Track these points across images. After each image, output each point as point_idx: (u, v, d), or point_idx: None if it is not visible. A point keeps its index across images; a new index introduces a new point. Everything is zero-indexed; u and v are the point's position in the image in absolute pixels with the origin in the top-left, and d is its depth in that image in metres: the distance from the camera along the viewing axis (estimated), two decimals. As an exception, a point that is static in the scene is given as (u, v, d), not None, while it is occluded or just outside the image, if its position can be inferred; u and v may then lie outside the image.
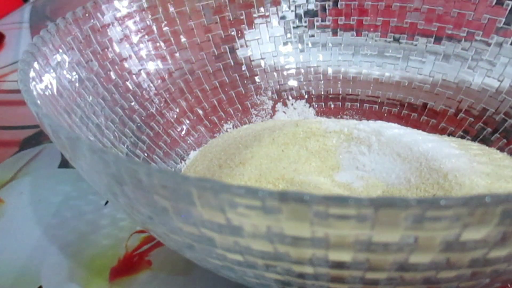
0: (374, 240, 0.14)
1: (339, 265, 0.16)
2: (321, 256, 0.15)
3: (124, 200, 0.18)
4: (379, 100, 0.39)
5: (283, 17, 0.41)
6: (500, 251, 0.15)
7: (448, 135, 0.36)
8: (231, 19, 0.40)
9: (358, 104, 0.40)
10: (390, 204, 0.13)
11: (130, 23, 0.35)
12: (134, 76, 0.35)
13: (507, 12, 0.35)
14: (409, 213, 0.13)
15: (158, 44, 0.37)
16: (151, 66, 0.36)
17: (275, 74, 0.41)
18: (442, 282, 0.16)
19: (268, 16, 0.41)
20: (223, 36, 0.40)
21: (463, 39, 0.37)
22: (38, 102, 0.22)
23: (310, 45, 0.41)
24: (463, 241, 0.14)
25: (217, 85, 0.39)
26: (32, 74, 0.25)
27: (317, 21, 0.41)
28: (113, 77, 0.33)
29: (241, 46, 0.40)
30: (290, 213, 0.14)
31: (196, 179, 0.14)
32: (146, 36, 0.36)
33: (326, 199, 0.13)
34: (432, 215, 0.13)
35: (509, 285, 0.25)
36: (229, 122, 0.39)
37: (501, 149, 0.33)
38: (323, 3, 0.41)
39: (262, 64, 0.40)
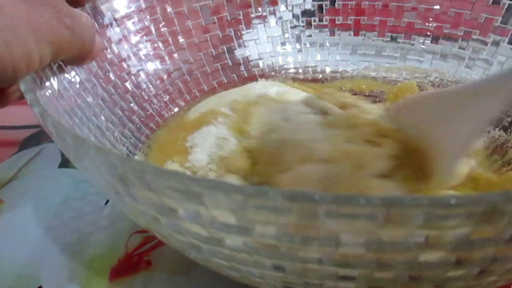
0: (384, 239, 0.14)
1: (348, 264, 0.16)
2: (330, 255, 0.15)
3: (130, 201, 0.18)
4: (377, 100, 0.39)
5: (280, 17, 0.41)
6: (509, 250, 0.15)
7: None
8: (229, 20, 0.40)
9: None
10: (401, 203, 0.13)
11: (129, 23, 0.35)
12: (133, 77, 0.35)
13: (503, 11, 0.35)
14: (420, 212, 0.13)
15: (156, 44, 0.37)
16: (150, 66, 0.36)
17: (273, 74, 0.41)
18: (450, 280, 0.16)
19: (265, 17, 0.41)
20: (221, 37, 0.40)
21: (460, 38, 0.37)
22: (41, 102, 0.22)
23: (307, 45, 0.41)
24: (472, 239, 0.14)
25: (216, 85, 0.39)
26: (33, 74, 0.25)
27: (315, 21, 0.41)
28: (112, 78, 0.33)
29: (239, 46, 0.40)
30: (300, 213, 0.14)
31: (206, 180, 0.14)
32: (145, 37, 0.36)
33: (336, 198, 0.13)
34: (442, 214, 0.13)
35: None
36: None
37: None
38: (320, 3, 0.41)
39: (260, 64, 0.41)
